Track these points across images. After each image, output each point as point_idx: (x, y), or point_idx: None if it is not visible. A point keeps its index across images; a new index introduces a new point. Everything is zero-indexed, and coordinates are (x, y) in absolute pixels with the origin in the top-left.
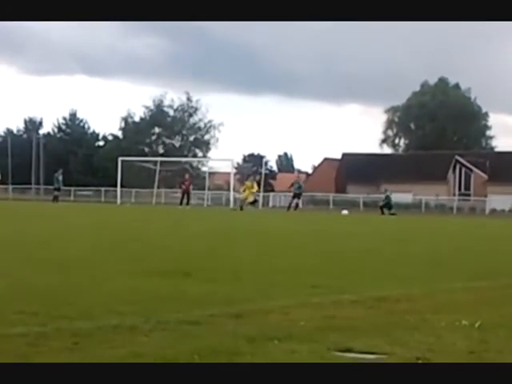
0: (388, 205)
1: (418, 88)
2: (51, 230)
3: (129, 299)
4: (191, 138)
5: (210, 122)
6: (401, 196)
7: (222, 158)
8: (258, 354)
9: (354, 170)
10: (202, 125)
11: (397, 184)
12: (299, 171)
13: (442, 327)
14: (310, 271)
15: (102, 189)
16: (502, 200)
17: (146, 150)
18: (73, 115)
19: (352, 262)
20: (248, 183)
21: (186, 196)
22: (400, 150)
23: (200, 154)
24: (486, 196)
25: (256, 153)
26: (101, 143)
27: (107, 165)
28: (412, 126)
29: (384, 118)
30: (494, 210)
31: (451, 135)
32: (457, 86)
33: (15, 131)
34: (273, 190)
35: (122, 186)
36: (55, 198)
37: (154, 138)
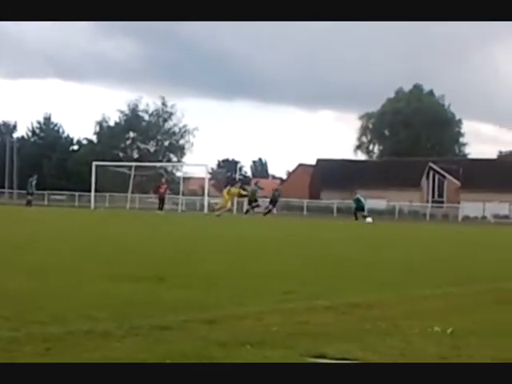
0: (360, 208)
1: (392, 95)
2: (25, 235)
3: (102, 304)
4: (166, 143)
5: (184, 126)
6: (375, 202)
7: (197, 163)
8: (230, 359)
9: (328, 176)
10: (176, 130)
11: (371, 190)
12: (274, 177)
13: (413, 333)
14: (283, 277)
15: (76, 193)
16: (475, 207)
17: (121, 154)
18: (47, 119)
19: (325, 268)
20: (232, 190)
21: (161, 201)
22: (374, 157)
23: (175, 159)
24: (458, 203)
25: (231, 158)
26: (75, 147)
27: (81, 169)
28: (386, 132)
29: (358, 124)
30: (466, 217)
31: (425, 142)
32: (431, 92)
33: None
34: (247, 196)
35: (96, 191)
36: (29, 203)
37: (128, 142)
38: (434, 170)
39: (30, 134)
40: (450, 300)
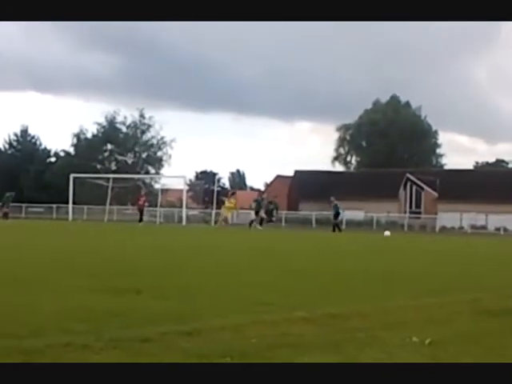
0: (336, 214)
1: (370, 106)
2: (2, 247)
3: (81, 316)
4: (144, 155)
5: (162, 138)
6: (353, 213)
7: (175, 174)
8: None
9: (306, 187)
10: (154, 142)
11: (349, 201)
12: (252, 188)
13: (392, 344)
14: (261, 288)
15: (54, 205)
16: (452, 217)
17: (99, 166)
18: (24, 131)
19: (304, 278)
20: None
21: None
22: (352, 168)
23: (152, 170)
24: (436, 213)
25: (208, 170)
26: (52, 159)
27: (59, 181)
28: (363, 143)
29: (336, 135)
30: (444, 228)
31: (402, 153)
32: (407, 104)
33: None
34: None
35: (73, 203)
36: (5, 215)
37: (106, 154)
38: (411, 180)
39: (6, 146)
40: (428, 311)
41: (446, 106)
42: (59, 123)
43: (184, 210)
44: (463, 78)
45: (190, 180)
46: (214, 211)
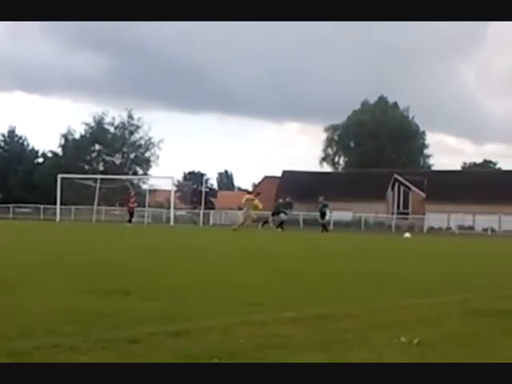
0: (323, 214)
1: (358, 107)
2: None
3: (69, 318)
4: (132, 156)
5: (150, 139)
6: (341, 214)
7: (163, 175)
8: None
9: (294, 188)
10: (142, 142)
11: (337, 202)
12: (240, 189)
13: (381, 344)
14: (250, 289)
15: (42, 206)
16: (440, 218)
17: (86, 167)
18: (11, 132)
19: (293, 279)
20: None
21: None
22: (340, 168)
23: (140, 171)
24: (423, 214)
25: (196, 170)
26: (40, 160)
27: (47, 182)
28: (352, 144)
29: (324, 136)
30: (431, 228)
31: (390, 153)
32: (395, 105)
33: None
34: (213, 208)
35: (61, 204)
36: None
37: (94, 155)
38: (399, 181)
39: None
40: (417, 311)
41: (433, 107)
42: (47, 124)
43: (172, 210)
44: (451, 79)
45: (178, 181)
46: (202, 211)
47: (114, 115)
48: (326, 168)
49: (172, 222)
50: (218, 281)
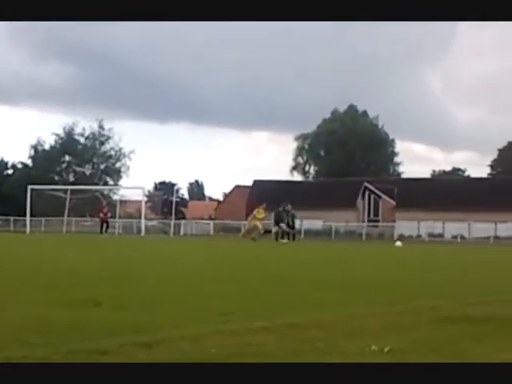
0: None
1: (328, 115)
2: None
3: (38, 329)
4: (102, 166)
5: (120, 150)
6: (311, 222)
7: (133, 186)
8: None
9: (264, 197)
10: (112, 153)
11: (307, 211)
12: (211, 199)
13: (352, 353)
14: (221, 298)
15: (11, 218)
16: (410, 226)
17: (56, 178)
18: None
19: (264, 288)
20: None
21: (104, 224)
22: (310, 177)
23: (111, 182)
24: (394, 222)
25: (167, 180)
26: (10, 171)
27: (16, 193)
28: (322, 153)
29: (294, 145)
30: (402, 236)
31: (360, 162)
32: (365, 113)
33: None
34: (184, 218)
35: (31, 215)
36: None
37: (64, 166)
38: (369, 189)
39: None
40: (388, 318)
41: (402, 116)
42: (16, 135)
43: (143, 220)
44: (419, 88)
45: (149, 191)
46: (172, 222)
47: (85, 126)
48: (297, 177)
49: (143, 233)
50: (189, 291)
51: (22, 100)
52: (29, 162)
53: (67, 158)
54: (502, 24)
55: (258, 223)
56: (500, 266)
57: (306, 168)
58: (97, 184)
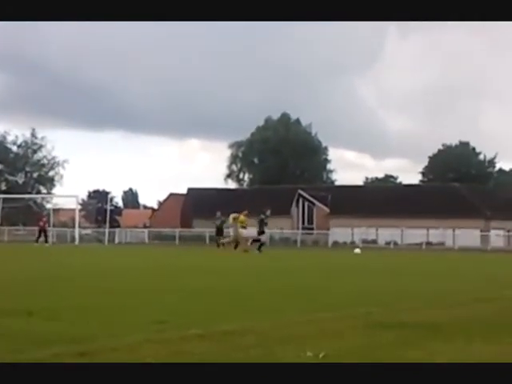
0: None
1: (262, 123)
2: None
3: None
4: (35, 175)
5: (53, 158)
6: (246, 230)
7: (67, 194)
8: None
9: (199, 204)
10: (45, 161)
11: None
12: (145, 207)
13: (287, 359)
14: (155, 307)
15: None
16: (344, 233)
17: None
18: None
19: (199, 297)
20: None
21: (42, 233)
22: (245, 185)
23: (44, 190)
24: (328, 229)
25: (101, 189)
26: None
27: None
28: (256, 160)
29: (228, 153)
30: (336, 243)
31: (293, 169)
32: (298, 121)
33: None
34: (119, 226)
35: None
36: None
37: None
38: (303, 197)
39: None
40: (323, 325)
41: (334, 123)
42: None
43: (77, 229)
44: (351, 96)
45: (83, 199)
46: (107, 230)
47: (18, 134)
48: (231, 185)
49: (77, 241)
50: (124, 300)
51: None
52: None
53: None
54: (430, 32)
55: (244, 231)
56: (431, 275)
57: (241, 176)
58: (30, 193)
